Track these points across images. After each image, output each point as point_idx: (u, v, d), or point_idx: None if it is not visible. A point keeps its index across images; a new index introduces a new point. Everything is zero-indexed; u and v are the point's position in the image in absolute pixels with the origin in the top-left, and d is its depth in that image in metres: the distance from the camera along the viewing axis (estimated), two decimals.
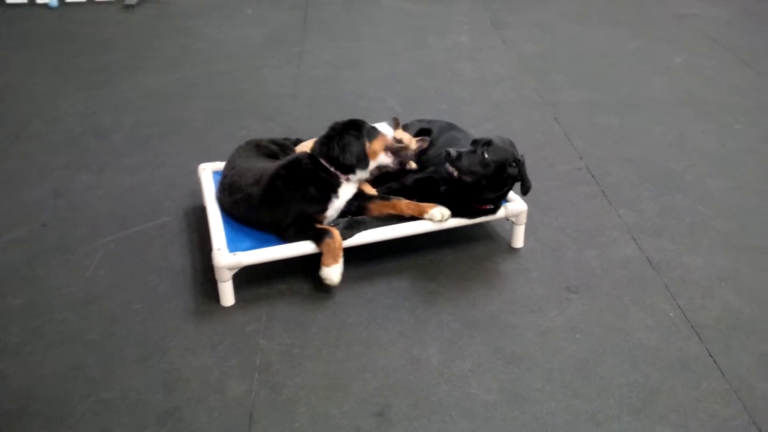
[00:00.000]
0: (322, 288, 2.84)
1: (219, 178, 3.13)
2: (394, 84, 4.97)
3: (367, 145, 2.85)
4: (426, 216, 2.84)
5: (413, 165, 3.13)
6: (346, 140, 2.81)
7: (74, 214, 3.40)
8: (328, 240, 2.73)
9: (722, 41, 5.85)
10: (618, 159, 3.91)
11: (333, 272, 2.72)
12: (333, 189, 2.82)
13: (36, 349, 2.55)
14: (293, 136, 4.04)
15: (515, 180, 2.89)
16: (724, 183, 3.67)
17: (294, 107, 4.57)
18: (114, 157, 3.94)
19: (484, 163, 2.80)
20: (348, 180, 2.85)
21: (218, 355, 2.52)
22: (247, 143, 3.23)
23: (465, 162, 2.79)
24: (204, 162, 3.43)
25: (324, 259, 2.73)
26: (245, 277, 2.80)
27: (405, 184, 3.03)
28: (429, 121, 3.43)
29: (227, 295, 2.74)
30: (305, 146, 3.26)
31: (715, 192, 3.58)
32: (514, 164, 2.85)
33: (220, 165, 3.28)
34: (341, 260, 2.75)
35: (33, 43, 5.85)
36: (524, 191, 2.90)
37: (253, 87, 4.90)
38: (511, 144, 2.93)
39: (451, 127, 3.34)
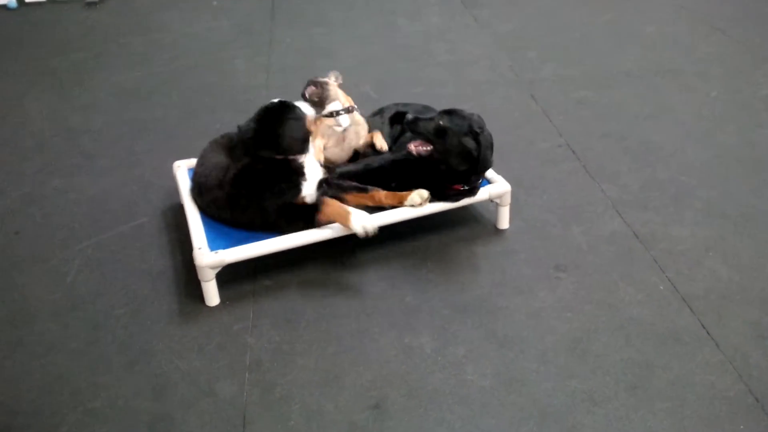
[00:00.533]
0: (311, 282, 2.79)
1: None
2: (368, 69, 4.90)
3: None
4: (406, 203, 2.79)
5: (385, 146, 3.08)
6: (285, 126, 2.73)
7: (48, 220, 3.30)
8: (324, 209, 2.67)
9: (693, 9, 5.85)
10: (597, 134, 3.90)
11: (360, 220, 2.64)
12: (297, 172, 2.74)
13: (18, 362, 2.47)
14: None
15: (477, 154, 2.76)
16: (704, 152, 3.67)
17: (266, 99, 4.42)
18: (86, 160, 3.83)
19: (439, 129, 2.76)
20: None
21: (206, 357, 2.46)
22: (222, 137, 3.15)
23: (421, 126, 2.76)
24: (179, 159, 3.35)
25: (340, 222, 2.66)
26: (229, 275, 2.73)
27: (382, 164, 2.96)
28: (405, 104, 3.38)
29: (212, 294, 2.68)
30: None
31: (696, 162, 3.58)
32: (469, 135, 2.77)
33: (195, 161, 3.19)
34: (354, 209, 2.68)
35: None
36: (480, 168, 2.82)
37: (224, 80, 4.80)
38: (480, 119, 2.86)
39: (426, 109, 3.29)
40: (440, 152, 2.77)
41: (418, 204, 2.78)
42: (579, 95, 4.38)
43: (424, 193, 2.78)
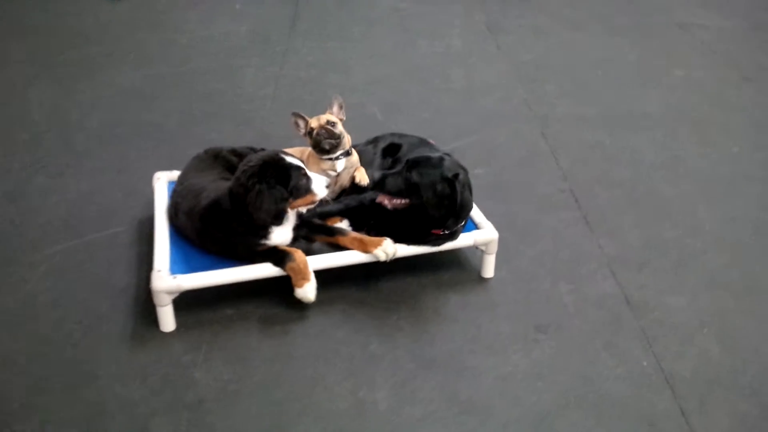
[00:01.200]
0: (274, 315, 2.64)
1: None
2: (378, 89, 4.75)
3: (288, 200, 2.52)
4: (372, 254, 2.64)
5: (365, 181, 2.93)
6: (258, 191, 2.43)
7: (25, 220, 3.22)
8: (290, 264, 2.54)
9: (725, 54, 5.60)
10: (605, 181, 3.69)
11: (307, 291, 2.55)
12: (261, 235, 2.58)
13: None
14: (265, 143, 3.85)
15: (455, 201, 2.59)
16: (717, 213, 3.45)
17: (271, 111, 4.37)
18: (75, 159, 3.75)
19: (409, 185, 2.60)
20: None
21: (149, 388, 2.33)
22: (206, 152, 3.03)
23: (389, 185, 2.62)
24: (164, 170, 3.24)
25: (294, 281, 2.55)
26: (190, 298, 2.59)
27: (363, 203, 2.82)
28: (401, 136, 3.22)
29: (167, 320, 2.55)
30: None
31: (706, 223, 3.36)
32: (443, 182, 2.59)
33: (177, 174, 3.07)
34: (312, 277, 2.56)
35: (12, 32, 5.67)
36: (459, 214, 2.65)
37: (230, 88, 4.70)
38: (452, 161, 2.66)
39: (422, 143, 3.13)
40: (416, 204, 2.61)
41: (383, 259, 2.62)
42: (592, 137, 4.17)
43: (390, 248, 2.62)
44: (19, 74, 4.81)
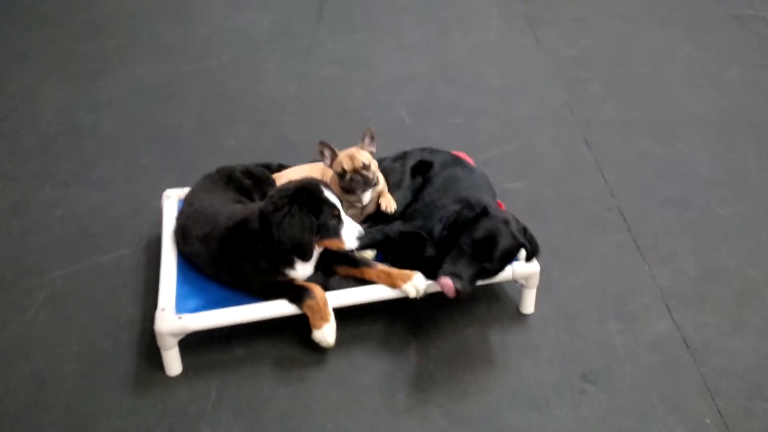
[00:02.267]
0: (290, 357, 2.39)
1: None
2: (406, 88, 4.44)
3: (314, 234, 2.27)
4: (400, 289, 2.37)
5: (392, 208, 2.64)
6: (287, 213, 2.21)
7: (27, 238, 3.01)
8: (308, 301, 2.29)
9: None
10: (656, 198, 3.35)
11: (326, 334, 2.29)
12: (288, 263, 2.35)
13: None
14: (286, 151, 3.61)
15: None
16: None
17: (292, 113, 4.09)
18: (83, 167, 3.53)
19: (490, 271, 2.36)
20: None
21: None
22: (218, 172, 2.77)
23: (465, 277, 2.29)
24: (175, 182, 3.01)
25: (311, 321, 2.30)
26: (198, 337, 2.35)
27: (389, 235, 2.54)
28: (431, 152, 2.91)
29: (172, 364, 2.31)
30: (286, 176, 2.80)
31: None
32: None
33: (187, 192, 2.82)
34: (332, 318, 2.31)
35: (24, 22, 5.45)
36: (529, 257, 2.44)
37: (250, 86, 4.42)
38: (507, 222, 2.36)
39: (455, 162, 2.82)
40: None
41: (412, 296, 2.35)
42: (640, 146, 3.82)
43: (421, 283, 2.36)
44: (31, 71, 4.59)
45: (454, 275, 2.24)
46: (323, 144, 2.62)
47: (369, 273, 2.42)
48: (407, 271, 2.39)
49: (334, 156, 2.62)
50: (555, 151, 3.75)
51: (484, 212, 2.33)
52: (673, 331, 2.56)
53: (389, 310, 2.55)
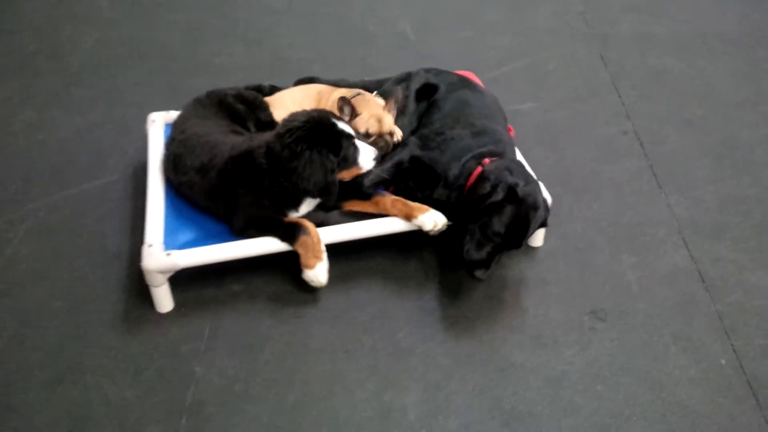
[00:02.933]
0: (287, 292, 2.28)
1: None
2: (410, 0, 4.13)
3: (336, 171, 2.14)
4: (415, 221, 2.21)
5: (398, 135, 2.45)
6: (308, 160, 2.06)
7: (7, 166, 2.83)
8: (303, 237, 2.15)
9: None
10: (675, 120, 3.15)
11: (318, 273, 2.16)
12: (292, 203, 2.20)
13: None
14: (280, 70, 3.39)
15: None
16: None
17: (288, 28, 3.81)
18: (65, 88, 3.31)
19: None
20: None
21: (142, 387, 2.01)
22: (209, 96, 2.55)
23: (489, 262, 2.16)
24: (162, 105, 2.81)
25: (303, 259, 2.16)
26: (191, 273, 2.22)
27: (400, 163, 2.35)
28: (437, 73, 2.68)
29: (163, 300, 2.20)
30: (280, 101, 2.60)
31: None
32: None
33: (174, 116, 2.62)
34: (325, 257, 2.18)
35: None
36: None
37: None
38: (537, 207, 2.17)
39: (463, 84, 2.60)
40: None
41: (428, 229, 2.20)
42: (660, 62, 3.57)
43: (441, 219, 2.21)
44: None
45: (478, 264, 2.12)
46: (344, 100, 2.39)
47: (383, 204, 2.27)
48: (423, 205, 2.24)
49: (353, 114, 2.40)
50: (569, 69, 3.51)
51: (514, 197, 2.12)
52: (689, 265, 2.43)
53: (388, 245, 2.40)
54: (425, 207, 2.23)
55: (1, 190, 2.70)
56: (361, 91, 2.62)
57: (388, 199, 2.26)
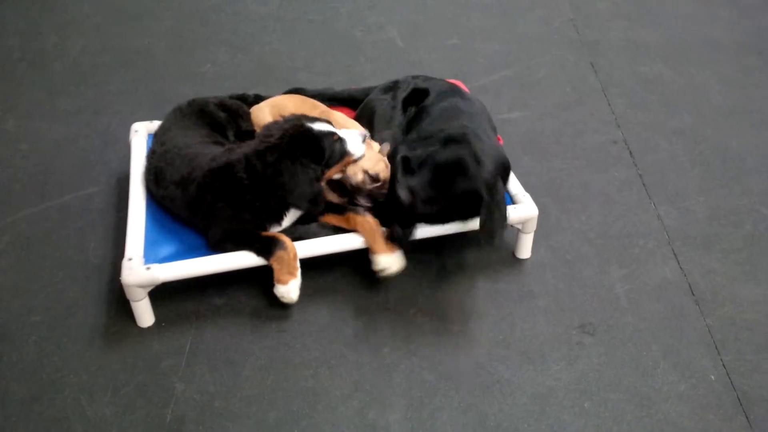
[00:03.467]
0: (269, 306, 2.24)
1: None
2: (398, 4, 4.10)
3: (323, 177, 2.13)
4: (371, 255, 2.20)
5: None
6: (292, 173, 2.04)
7: None
8: (279, 252, 2.11)
9: None
10: (666, 129, 3.13)
11: (291, 290, 2.12)
12: (275, 217, 2.16)
13: None
14: (266, 79, 3.35)
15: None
16: None
17: (273, 34, 3.78)
18: (49, 96, 3.26)
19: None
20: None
21: (121, 402, 1.97)
22: (190, 105, 2.51)
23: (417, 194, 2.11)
24: (146, 114, 2.78)
25: (277, 274, 2.12)
26: (173, 286, 2.19)
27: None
28: (426, 79, 2.66)
29: (143, 315, 2.16)
30: (263, 110, 2.56)
31: None
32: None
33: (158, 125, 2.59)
34: (299, 273, 2.13)
35: None
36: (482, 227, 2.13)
37: (229, 3, 4.07)
38: (480, 163, 2.11)
39: (453, 91, 2.56)
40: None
41: (376, 269, 2.19)
42: (651, 70, 3.55)
43: (395, 264, 2.18)
44: None
45: (407, 190, 2.08)
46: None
47: (353, 221, 2.22)
48: (391, 244, 2.18)
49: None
50: (558, 77, 3.48)
51: (464, 139, 2.11)
52: (679, 278, 2.40)
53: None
54: (392, 248, 2.16)
55: None
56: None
57: (360, 218, 2.19)
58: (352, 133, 2.17)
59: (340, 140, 2.14)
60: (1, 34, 3.75)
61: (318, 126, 2.10)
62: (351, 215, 2.20)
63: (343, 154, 2.15)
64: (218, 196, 2.11)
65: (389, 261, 2.16)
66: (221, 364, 2.08)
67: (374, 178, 2.21)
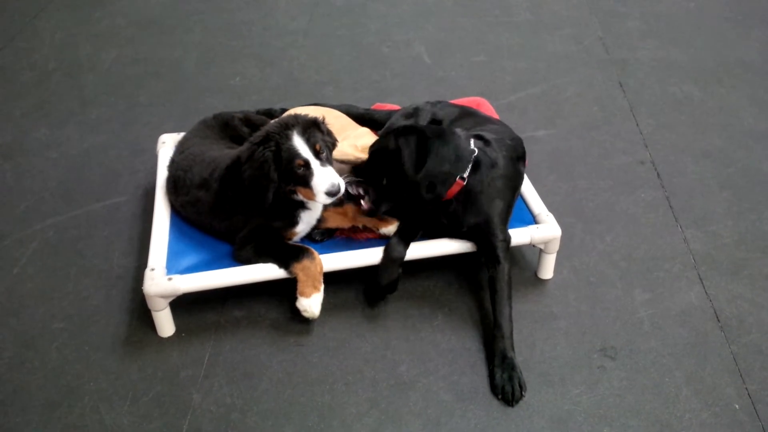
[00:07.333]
0: (288, 319, 2.25)
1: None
2: (426, 22, 4.12)
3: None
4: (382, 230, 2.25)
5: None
6: (249, 150, 2.09)
7: (19, 183, 2.86)
8: (306, 262, 2.11)
9: None
10: (694, 151, 3.08)
11: (313, 303, 2.12)
12: (290, 213, 2.17)
13: None
14: (293, 92, 3.39)
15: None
16: None
17: (302, 50, 3.82)
18: (81, 106, 3.34)
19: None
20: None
21: (139, 412, 1.99)
22: (215, 118, 2.56)
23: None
24: (174, 125, 2.83)
25: (301, 287, 2.12)
26: (194, 297, 2.21)
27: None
28: (442, 106, 2.64)
29: (164, 325, 2.18)
30: None
31: None
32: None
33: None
34: (322, 288, 2.14)
35: None
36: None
37: (259, 18, 4.14)
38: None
39: (464, 114, 2.54)
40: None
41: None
42: (680, 90, 3.51)
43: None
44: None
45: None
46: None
47: (352, 211, 2.29)
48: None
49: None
50: (586, 96, 3.46)
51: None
52: (704, 303, 2.35)
53: None
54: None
55: (12, 208, 2.72)
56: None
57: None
58: (326, 177, 2.04)
59: (308, 168, 2.04)
60: (37, 45, 3.85)
61: (295, 142, 2.03)
62: (348, 207, 2.29)
63: (306, 184, 2.05)
64: (238, 191, 2.12)
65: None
66: (239, 377, 2.09)
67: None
